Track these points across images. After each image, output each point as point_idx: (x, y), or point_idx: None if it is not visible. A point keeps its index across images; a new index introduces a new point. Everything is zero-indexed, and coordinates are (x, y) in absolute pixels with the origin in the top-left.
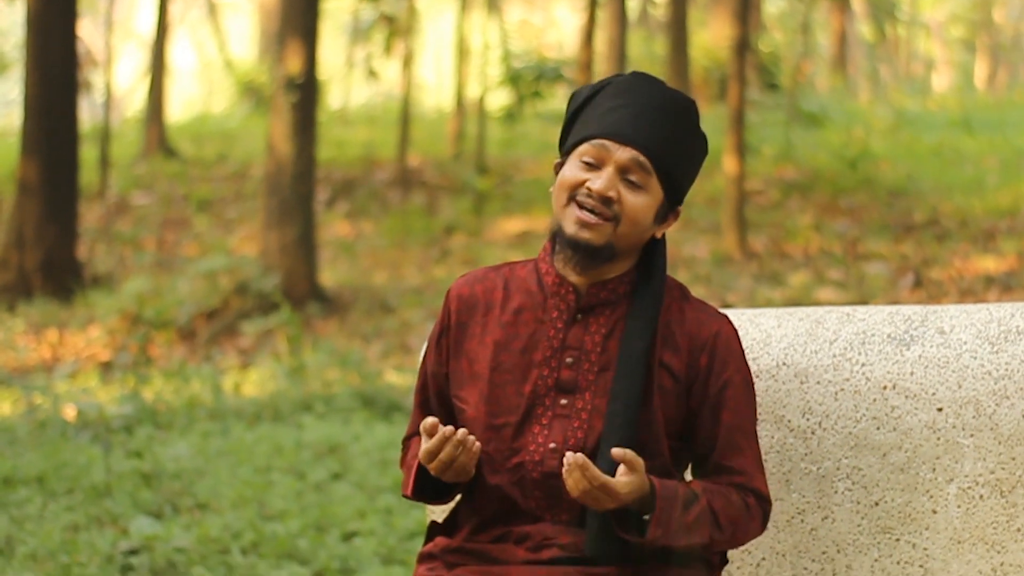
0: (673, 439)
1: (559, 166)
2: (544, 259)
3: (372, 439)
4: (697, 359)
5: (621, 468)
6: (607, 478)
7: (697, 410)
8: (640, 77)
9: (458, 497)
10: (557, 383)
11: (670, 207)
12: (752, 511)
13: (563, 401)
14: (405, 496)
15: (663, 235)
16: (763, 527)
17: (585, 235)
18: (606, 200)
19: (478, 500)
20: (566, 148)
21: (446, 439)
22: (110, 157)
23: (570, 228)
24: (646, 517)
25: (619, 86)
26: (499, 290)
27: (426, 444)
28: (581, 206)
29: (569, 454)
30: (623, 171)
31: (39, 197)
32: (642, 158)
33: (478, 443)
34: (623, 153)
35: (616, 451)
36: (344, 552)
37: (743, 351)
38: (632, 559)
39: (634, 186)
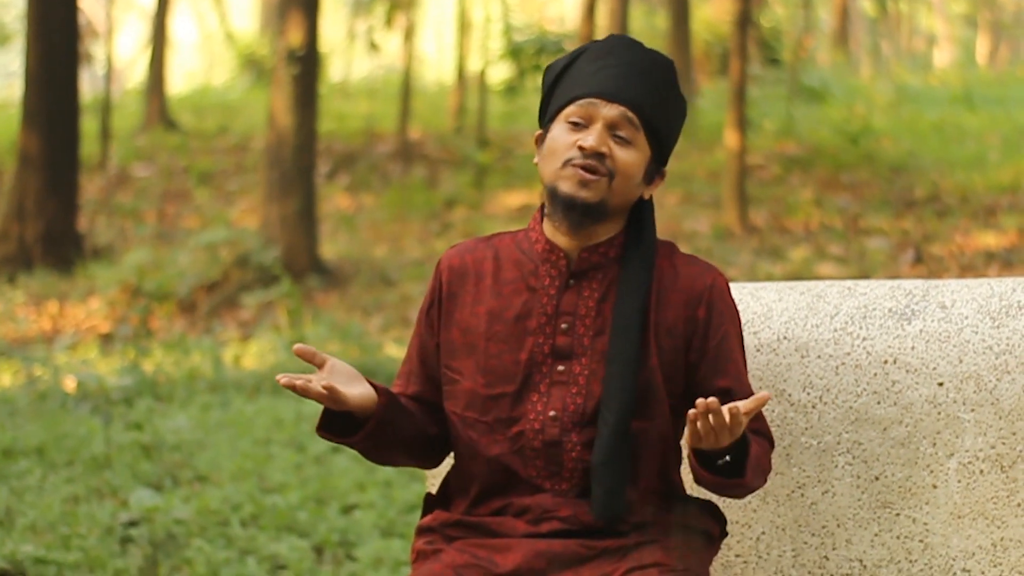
0: (674, 398)
1: (540, 138)
2: (534, 228)
3: None
4: (695, 312)
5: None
6: (739, 406)
7: (697, 363)
8: (619, 39)
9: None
10: (553, 349)
11: (656, 167)
12: (769, 455)
13: (560, 367)
14: (319, 432)
15: (651, 196)
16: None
17: (583, 193)
18: (599, 156)
19: (476, 470)
20: (550, 114)
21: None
22: (111, 129)
23: (567, 188)
24: (720, 462)
25: (599, 49)
26: (489, 260)
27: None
28: (576, 165)
29: (700, 400)
30: (612, 127)
31: (40, 169)
32: (630, 113)
33: (326, 382)
34: (611, 110)
35: (762, 396)
36: (343, 525)
37: (733, 299)
38: (635, 525)
39: (623, 141)
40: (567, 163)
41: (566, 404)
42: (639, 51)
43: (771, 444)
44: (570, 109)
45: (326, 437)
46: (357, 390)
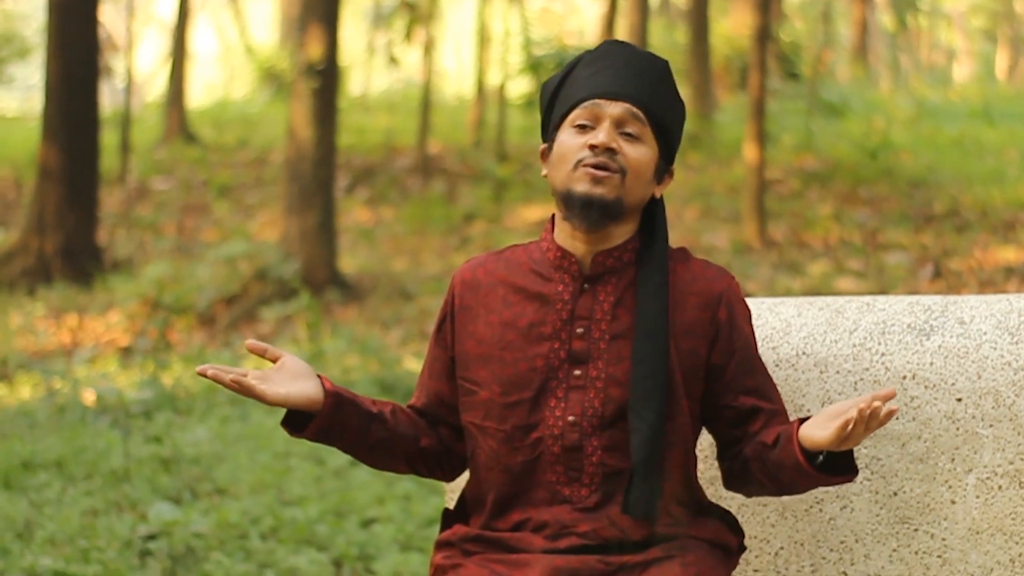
0: (692, 400)
1: (546, 151)
2: (545, 238)
3: None
4: (715, 314)
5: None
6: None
7: (725, 364)
8: (612, 43)
9: (467, 480)
10: (570, 354)
11: (665, 165)
12: None
13: (577, 372)
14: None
15: (661, 197)
16: None
17: (598, 190)
18: (610, 152)
19: (495, 480)
20: (554, 123)
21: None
22: (131, 142)
23: (582, 187)
24: (820, 458)
25: (594, 55)
26: (502, 271)
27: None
28: (588, 165)
29: (873, 397)
30: (619, 124)
31: (60, 182)
32: (635, 109)
33: (240, 372)
34: (615, 108)
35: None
36: (363, 538)
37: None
38: (655, 538)
39: (632, 138)
40: (579, 164)
41: (585, 408)
42: (634, 52)
43: None
44: (575, 113)
45: (285, 429)
46: (298, 388)
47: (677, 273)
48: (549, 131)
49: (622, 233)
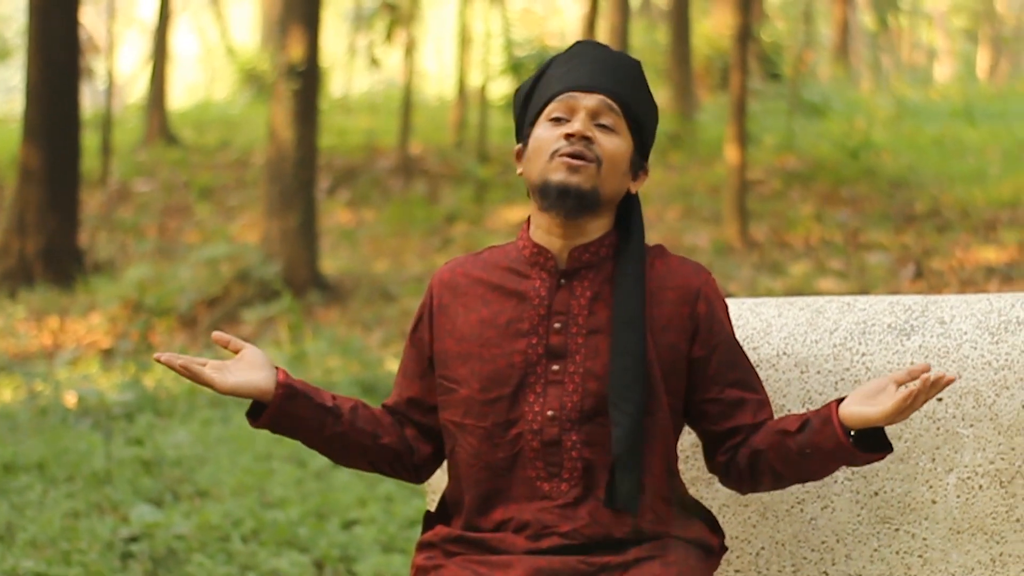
0: (672, 395)
1: (521, 151)
2: (522, 236)
3: None
4: (694, 308)
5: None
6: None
7: (708, 357)
8: (584, 42)
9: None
10: (547, 349)
11: (639, 161)
12: None
13: (555, 367)
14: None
15: (637, 193)
16: None
17: (574, 179)
18: (586, 140)
19: (475, 477)
20: (528, 120)
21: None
22: (112, 144)
23: (558, 176)
24: (852, 434)
25: (567, 53)
26: (479, 270)
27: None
28: (564, 154)
29: (919, 369)
30: (594, 116)
31: (41, 184)
32: (609, 100)
33: (196, 366)
34: (590, 100)
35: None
36: (344, 540)
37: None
38: (637, 535)
39: (607, 129)
40: (555, 154)
41: (563, 403)
42: (606, 50)
43: None
44: (550, 107)
45: (248, 419)
46: (250, 377)
47: (655, 269)
48: (523, 130)
49: (598, 228)
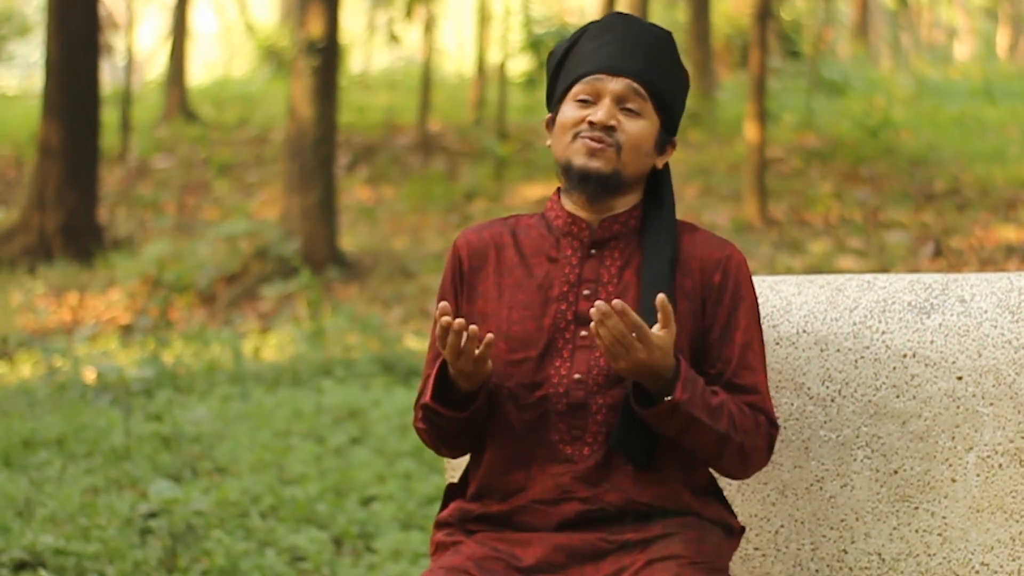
0: (695, 363)
1: (551, 121)
2: (552, 207)
3: (391, 404)
4: (711, 277)
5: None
6: (643, 324)
7: (709, 328)
8: (617, 15)
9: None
10: (576, 316)
11: (667, 136)
12: (761, 429)
13: (583, 333)
14: (426, 404)
15: (666, 166)
16: (769, 453)
17: (594, 164)
18: (608, 129)
19: (497, 439)
20: (557, 96)
21: (452, 329)
22: (131, 120)
23: (579, 160)
24: (667, 398)
25: (598, 27)
26: (508, 235)
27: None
28: (584, 136)
29: (600, 302)
30: (619, 100)
31: (60, 160)
32: (635, 84)
33: (490, 335)
34: (617, 84)
35: (660, 297)
36: (363, 517)
37: (751, 278)
38: (656, 512)
39: (632, 113)
40: (577, 136)
41: (591, 367)
42: (638, 25)
43: (769, 421)
44: (577, 88)
45: (434, 408)
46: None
47: (682, 239)
48: (553, 102)
49: (626, 203)
